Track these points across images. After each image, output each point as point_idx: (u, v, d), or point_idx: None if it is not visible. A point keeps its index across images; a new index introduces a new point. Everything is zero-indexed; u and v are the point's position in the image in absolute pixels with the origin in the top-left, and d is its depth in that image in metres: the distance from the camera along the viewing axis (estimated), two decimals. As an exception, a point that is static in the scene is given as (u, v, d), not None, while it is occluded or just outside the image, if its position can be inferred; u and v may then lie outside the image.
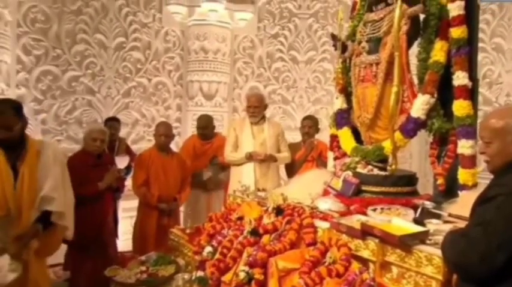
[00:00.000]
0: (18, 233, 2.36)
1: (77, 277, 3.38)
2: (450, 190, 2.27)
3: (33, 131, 4.82)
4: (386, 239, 1.71)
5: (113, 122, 4.46)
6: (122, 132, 5.05)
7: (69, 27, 5.00)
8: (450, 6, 2.21)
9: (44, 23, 4.85)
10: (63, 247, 3.46)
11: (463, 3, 2.20)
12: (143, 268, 2.47)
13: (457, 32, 2.19)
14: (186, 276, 2.24)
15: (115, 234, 3.85)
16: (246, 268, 1.87)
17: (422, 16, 2.34)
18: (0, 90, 4.34)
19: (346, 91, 2.81)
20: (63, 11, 4.95)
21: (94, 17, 5.16)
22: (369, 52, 2.47)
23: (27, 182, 2.39)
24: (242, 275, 1.85)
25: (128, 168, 4.06)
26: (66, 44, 5.00)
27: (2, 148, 2.37)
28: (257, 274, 1.84)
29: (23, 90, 4.77)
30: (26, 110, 4.65)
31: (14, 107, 2.41)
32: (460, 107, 2.18)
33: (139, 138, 5.51)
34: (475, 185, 2.16)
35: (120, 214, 4.22)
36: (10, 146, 2.38)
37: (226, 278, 1.98)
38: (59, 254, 3.56)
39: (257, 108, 3.79)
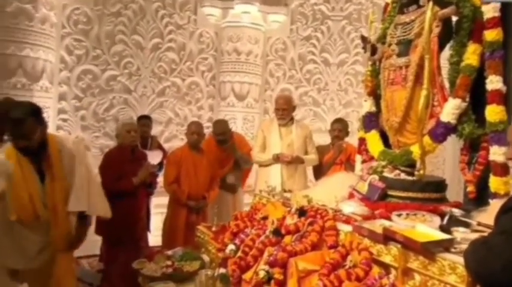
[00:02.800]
0: (69, 240, 2.50)
1: (110, 268, 3.53)
2: (481, 198, 2.19)
3: (73, 127, 5.09)
4: (409, 245, 1.68)
5: (145, 120, 4.61)
6: (156, 131, 5.21)
7: (109, 28, 5.22)
8: (484, 8, 2.14)
9: (85, 25, 5.10)
10: (99, 239, 3.63)
11: (498, 4, 2.12)
12: (169, 263, 2.53)
13: (492, 35, 2.11)
14: (209, 272, 2.28)
15: (147, 228, 3.98)
16: (266, 267, 1.89)
17: (454, 18, 2.28)
18: (44, 88, 4.60)
19: (375, 94, 2.77)
20: (104, 13, 5.18)
21: (132, 19, 5.36)
22: (399, 55, 2.42)
23: (57, 182, 2.41)
24: (262, 274, 1.87)
25: (160, 164, 4.19)
26: (106, 45, 5.22)
27: (25, 154, 2.34)
28: (277, 273, 1.85)
29: (64, 88, 5.03)
30: (68, 107, 5.02)
31: (33, 113, 2.34)
32: (492, 112, 2.10)
33: (172, 137, 5.67)
34: (507, 194, 2.06)
35: (152, 210, 4.36)
36: (33, 151, 2.36)
37: (246, 276, 2.01)
38: (96, 246, 3.74)
39: (285, 111, 3.81)
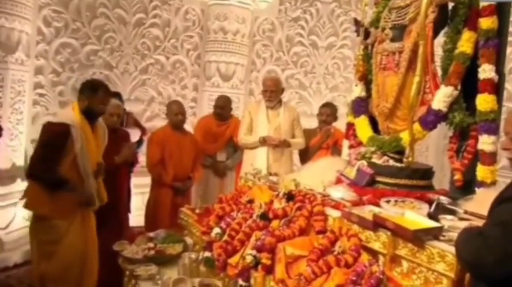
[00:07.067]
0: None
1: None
2: (467, 186, 2.20)
3: (50, 103, 4.90)
4: (399, 233, 1.67)
5: (117, 98, 4.42)
6: (138, 109, 5.08)
7: (90, 1, 4.98)
8: (481, -5, 2.11)
9: (65, -5, 4.84)
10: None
11: (495, -9, 2.09)
12: (151, 245, 2.49)
13: (487, 23, 2.09)
14: (193, 255, 2.25)
15: (128, 209, 3.90)
16: (254, 252, 1.86)
17: (451, 4, 2.25)
18: (20, 61, 4.38)
19: (366, 79, 2.73)
20: (84, -17, 4.93)
21: (115, -9, 5.13)
22: (393, 39, 2.38)
23: None
24: (249, 258, 1.84)
25: (139, 142, 4.07)
26: (86, 18, 4.99)
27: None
28: (264, 258, 1.83)
29: (42, 62, 4.81)
30: (45, 82, 4.81)
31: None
32: (483, 101, 2.10)
33: (155, 116, 5.53)
34: (493, 183, 2.09)
35: (132, 190, 4.26)
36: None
37: (232, 260, 1.98)
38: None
39: (273, 93, 3.74)
